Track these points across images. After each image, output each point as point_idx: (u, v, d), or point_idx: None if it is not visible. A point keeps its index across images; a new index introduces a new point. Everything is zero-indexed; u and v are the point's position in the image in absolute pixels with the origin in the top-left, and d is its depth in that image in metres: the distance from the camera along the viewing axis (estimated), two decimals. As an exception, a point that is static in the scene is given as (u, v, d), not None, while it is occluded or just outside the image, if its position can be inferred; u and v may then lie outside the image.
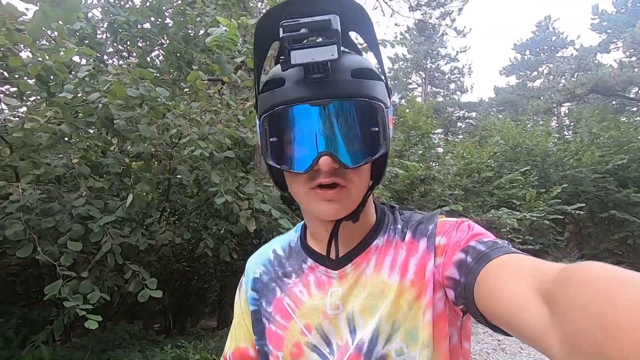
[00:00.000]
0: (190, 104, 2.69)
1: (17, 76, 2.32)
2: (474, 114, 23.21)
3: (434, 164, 10.09)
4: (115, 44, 3.78)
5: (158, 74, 3.60)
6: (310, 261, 0.65)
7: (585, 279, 0.31)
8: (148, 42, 3.53)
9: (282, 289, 0.65)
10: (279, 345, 0.62)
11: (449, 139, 19.92)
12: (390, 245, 0.61)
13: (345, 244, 0.61)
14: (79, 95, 2.13)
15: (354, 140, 0.52)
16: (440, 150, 12.62)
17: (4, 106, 2.09)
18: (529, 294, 0.38)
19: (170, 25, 3.50)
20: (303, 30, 0.46)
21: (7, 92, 2.73)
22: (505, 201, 8.73)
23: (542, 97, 16.29)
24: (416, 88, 23.85)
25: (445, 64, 23.53)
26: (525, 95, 20.60)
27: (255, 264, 0.71)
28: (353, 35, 0.61)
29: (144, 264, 3.48)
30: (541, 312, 0.35)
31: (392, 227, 0.63)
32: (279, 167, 0.54)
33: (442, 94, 24.11)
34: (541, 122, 13.57)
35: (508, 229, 7.03)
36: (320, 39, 0.48)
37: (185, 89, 3.73)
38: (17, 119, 2.08)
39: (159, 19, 3.44)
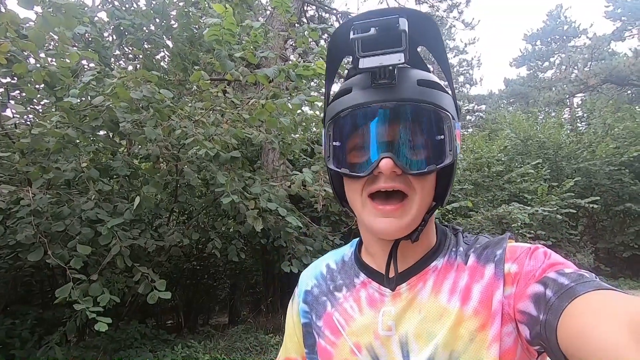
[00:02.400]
0: (195, 104, 2.69)
1: (28, 83, 2.35)
2: (483, 107, 22.87)
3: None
4: (122, 47, 3.81)
5: (165, 76, 3.61)
6: (363, 276, 0.62)
7: None
8: (153, 45, 3.54)
9: (333, 304, 0.63)
10: None
11: (461, 132, 19.73)
12: (451, 268, 0.57)
13: (401, 262, 0.58)
14: (84, 99, 2.14)
15: (417, 147, 0.51)
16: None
17: (9, 113, 2.11)
18: (626, 338, 0.35)
19: (175, 26, 3.51)
20: (372, 30, 0.47)
21: (18, 98, 2.77)
22: (516, 195, 8.59)
23: (553, 88, 15.95)
24: (424, 82, 23.59)
25: (454, 57, 23.19)
26: (537, 87, 20.20)
27: (308, 277, 0.70)
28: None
29: (154, 264, 3.52)
30: None
31: (453, 249, 0.59)
32: (338, 170, 0.53)
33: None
34: (553, 114, 13.31)
35: (519, 223, 6.93)
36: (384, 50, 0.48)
37: (193, 89, 3.74)
38: (25, 124, 2.10)
39: (164, 21, 3.45)
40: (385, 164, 0.48)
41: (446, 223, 0.66)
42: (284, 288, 5.37)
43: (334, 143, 0.54)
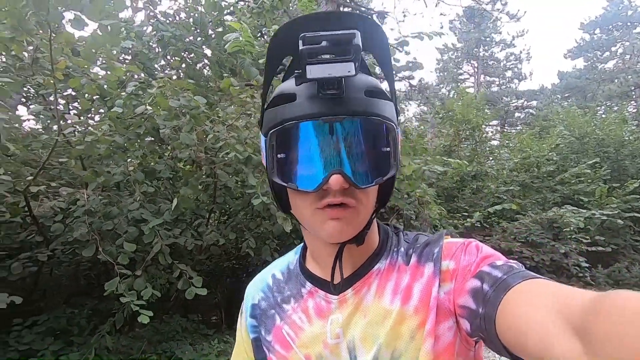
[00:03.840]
0: (226, 109, 2.81)
1: (84, 96, 2.62)
2: (534, 103, 21.41)
3: (488, 159, 9.50)
4: (166, 57, 4.08)
5: (206, 83, 3.81)
6: (309, 285, 0.62)
7: (619, 309, 0.30)
8: (193, 54, 3.76)
9: (282, 317, 0.63)
10: None
11: (506, 130, 18.62)
12: (393, 269, 0.58)
13: (346, 268, 0.59)
14: (129, 108, 2.33)
15: (365, 160, 0.51)
16: (495, 143, 11.84)
17: (67, 122, 2.35)
18: (558, 324, 0.37)
19: (213, 36, 3.69)
20: (324, 43, 0.45)
21: (75, 109, 3.09)
22: (570, 198, 7.95)
23: (616, 80, 14.55)
24: (468, 78, 22.58)
25: (500, 51, 21.98)
26: (596, 79, 18.56)
27: (255, 290, 0.69)
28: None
29: (195, 262, 3.73)
30: (572, 345, 0.34)
31: (395, 249, 0.61)
32: (285, 185, 0.52)
33: (498, 82, 22.56)
34: (615, 108, 12.14)
35: (572, 228, 6.40)
36: (334, 56, 0.47)
37: (231, 96, 3.92)
38: (79, 133, 2.33)
39: (202, 31, 3.65)
40: (336, 180, 0.48)
41: (388, 222, 0.67)
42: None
43: (279, 155, 0.52)
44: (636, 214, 6.98)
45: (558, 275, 6.65)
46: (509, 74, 22.24)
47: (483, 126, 9.80)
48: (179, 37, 3.49)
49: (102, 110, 3.40)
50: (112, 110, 2.22)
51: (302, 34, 0.46)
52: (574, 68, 22.91)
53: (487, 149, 9.61)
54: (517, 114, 21.41)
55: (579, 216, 6.30)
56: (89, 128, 2.25)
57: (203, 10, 3.34)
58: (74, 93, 3.11)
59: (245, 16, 3.22)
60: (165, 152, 3.59)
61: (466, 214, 7.25)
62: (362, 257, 0.60)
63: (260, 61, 2.56)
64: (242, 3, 3.91)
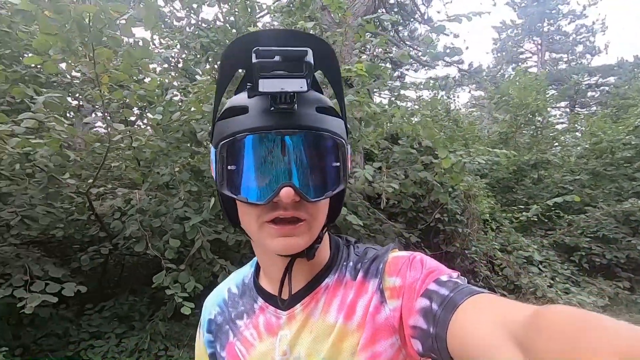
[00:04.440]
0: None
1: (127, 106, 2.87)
2: (611, 79, 18.95)
3: (551, 146, 8.65)
4: (208, 62, 4.30)
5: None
6: (260, 301, 0.62)
7: (554, 324, 0.32)
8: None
9: (235, 333, 0.63)
10: None
11: (578, 111, 16.77)
12: (341, 284, 0.58)
13: (295, 282, 0.59)
14: (168, 114, 2.51)
15: (315, 174, 0.51)
16: (561, 127, 10.73)
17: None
18: (501, 337, 0.38)
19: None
20: (276, 58, 0.46)
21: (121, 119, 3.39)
22: (652, 187, 6.98)
23: None
24: (530, 57, 20.66)
25: (569, 24, 19.72)
26: (691, 47, 15.85)
27: (212, 305, 0.69)
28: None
29: (241, 256, 3.92)
30: (515, 356, 0.35)
31: (344, 264, 0.60)
32: (235, 197, 0.52)
33: (566, 59, 20.33)
34: None
35: (653, 222, 5.62)
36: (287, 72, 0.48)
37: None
38: (127, 139, 2.56)
39: (238, 34, 3.77)
40: (286, 193, 0.48)
41: (340, 234, 0.66)
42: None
43: (229, 167, 0.52)
44: None
45: (637, 275, 5.90)
46: (579, 48, 19.91)
47: (549, 109, 8.93)
48: (218, 42, 3.65)
49: (145, 121, 3.68)
50: (152, 117, 2.40)
51: (256, 48, 0.46)
52: (662, 36, 19.82)
53: (551, 134, 8.73)
54: (590, 93, 19.15)
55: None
56: (135, 135, 2.46)
57: (237, 12, 3.44)
58: (122, 104, 3.43)
59: (277, 15, 3.27)
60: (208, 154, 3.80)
61: (524, 206, 6.68)
62: (311, 271, 0.60)
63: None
64: (276, 3, 3.97)
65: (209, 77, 3.11)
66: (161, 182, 3.19)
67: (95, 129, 4.18)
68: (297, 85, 0.45)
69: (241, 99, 0.52)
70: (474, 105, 14.69)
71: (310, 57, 0.46)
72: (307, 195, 0.50)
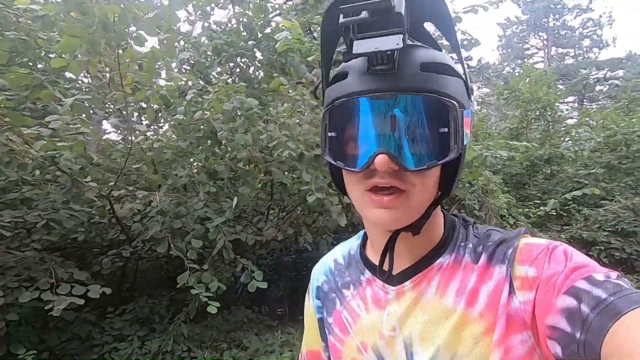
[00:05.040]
0: (277, 108, 2.90)
1: (151, 106, 2.89)
2: (620, 73, 18.73)
3: (564, 140, 8.54)
4: (221, 64, 4.32)
5: (257, 85, 3.97)
6: (368, 273, 0.61)
7: None
8: (246, 59, 3.92)
9: (341, 301, 0.63)
10: (338, 359, 0.62)
11: (587, 106, 16.59)
12: (459, 266, 0.54)
13: (406, 258, 0.56)
14: (189, 114, 2.51)
15: (418, 141, 0.47)
16: (572, 122, 10.60)
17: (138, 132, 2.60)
18: None
19: (261, 39, 3.81)
20: (363, 14, 0.42)
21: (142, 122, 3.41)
22: (670, 179, 6.87)
23: None
24: (535, 53, 20.50)
25: (575, 18, 19.56)
26: (702, 37, 15.63)
27: (319, 273, 0.70)
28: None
29: (256, 257, 3.92)
30: None
31: (462, 244, 0.56)
32: (334, 163, 0.51)
33: (573, 54, 20.15)
34: None
35: (674, 214, 5.52)
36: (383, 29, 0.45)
37: (283, 95, 4.03)
38: (148, 141, 2.57)
39: (252, 35, 3.78)
40: (381, 160, 0.46)
41: (456, 213, 0.60)
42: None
43: (330, 134, 0.51)
44: None
45: (658, 269, 5.79)
46: (586, 42, 19.73)
47: (557, 104, 8.83)
48: (231, 43, 3.66)
49: (166, 120, 3.72)
50: (174, 117, 2.41)
51: (341, 6, 0.44)
52: (671, 27, 19.57)
53: (563, 128, 8.63)
54: (598, 87, 18.92)
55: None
56: (157, 136, 2.46)
57: (251, 13, 3.45)
58: (144, 105, 3.46)
59: (291, 14, 3.27)
60: (225, 154, 3.81)
61: (538, 201, 6.61)
62: (423, 249, 0.56)
63: (310, 59, 2.59)
64: (289, 3, 3.98)
65: (226, 76, 3.11)
66: (180, 183, 3.20)
67: (107, 134, 4.21)
68: (393, 42, 0.42)
69: (344, 64, 0.51)
70: (480, 103, 14.59)
71: (400, 6, 0.41)
72: (405, 164, 0.46)
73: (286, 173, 3.31)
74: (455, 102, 0.46)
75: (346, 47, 0.46)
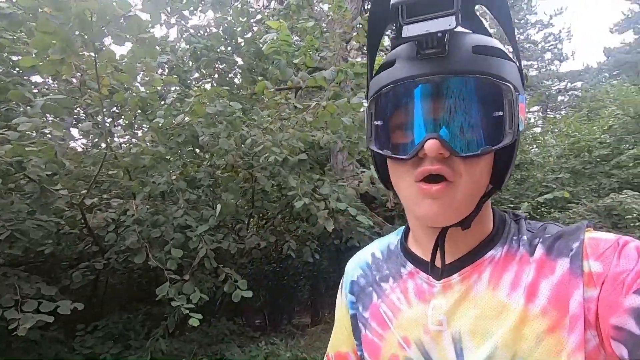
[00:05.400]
0: (260, 113, 2.85)
1: (128, 111, 2.76)
2: (579, 84, 20.00)
3: (531, 147, 8.96)
4: (199, 69, 4.22)
5: (237, 91, 3.90)
6: (410, 266, 0.58)
7: None
8: (225, 64, 3.86)
9: (379, 294, 0.60)
10: (376, 355, 0.58)
11: (549, 115, 17.55)
12: (512, 259, 0.50)
13: (452, 251, 0.53)
14: (169, 118, 2.42)
15: (470, 126, 0.44)
16: (538, 130, 11.16)
17: (116, 137, 2.47)
18: None
19: (242, 44, 3.77)
20: None
21: (122, 125, 3.26)
22: (629, 182, 7.33)
23: (673, 51, 13.22)
24: (503, 65, 21.51)
25: (537, 32, 20.76)
26: (649, 52, 17.01)
27: (354, 267, 0.68)
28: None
29: (237, 266, 3.81)
30: None
31: (515, 237, 0.52)
32: (381, 152, 0.49)
33: (536, 66, 21.33)
34: (675, 82, 11.07)
35: (635, 215, 5.88)
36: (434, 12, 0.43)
37: (264, 100, 3.99)
38: (125, 146, 2.44)
39: (232, 40, 3.73)
40: (431, 145, 0.43)
41: (505, 209, 0.58)
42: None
43: (376, 122, 0.49)
44: None
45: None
46: (548, 55, 20.95)
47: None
48: (211, 48, 3.59)
49: (145, 126, 3.58)
50: (154, 121, 2.31)
51: None
52: (622, 43, 21.16)
53: (530, 136, 9.07)
54: (560, 97, 20.10)
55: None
56: (134, 140, 2.35)
57: (231, 19, 3.41)
58: (117, 111, 3.31)
59: (274, 19, 3.25)
60: (203, 161, 3.71)
61: (512, 205, 6.87)
62: (472, 241, 0.53)
63: (295, 61, 2.57)
64: (271, 7, 3.96)
65: (207, 80, 3.04)
66: (158, 191, 3.06)
67: (76, 141, 3.99)
68: (445, 23, 0.40)
69: (391, 52, 0.49)
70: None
71: None
72: (456, 149, 0.44)
73: (268, 179, 3.26)
74: (510, 85, 0.44)
75: (395, 33, 0.45)
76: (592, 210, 6.54)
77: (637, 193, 6.14)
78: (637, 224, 6.14)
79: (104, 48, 2.05)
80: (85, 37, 1.74)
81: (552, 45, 20.78)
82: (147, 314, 3.82)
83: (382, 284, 0.61)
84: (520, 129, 0.46)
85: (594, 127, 8.09)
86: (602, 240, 0.46)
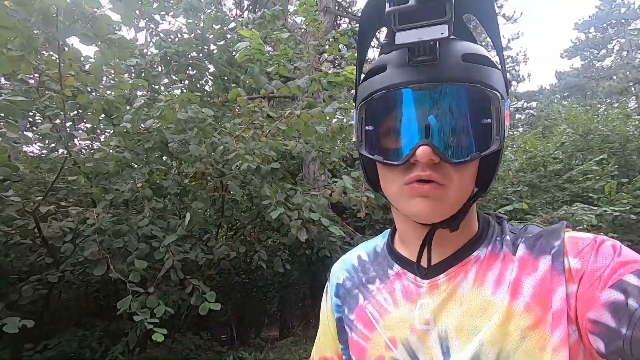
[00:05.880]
0: (234, 120, 2.81)
1: (90, 113, 2.62)
2: (534, 104, 21.46)
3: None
4: (169, 74, 4.11)
5: (208, 98, 3.83)
6: (397, 267, 0.58)
7: None
8: (197, 70, 3.79)
9: (365, 296, 0.60)
10: (362, 357, 0.58)
11: (509, 132, 18.63)
12: (496, 258, 0.52)
13: (438, 252, 0.54)
14: (136, 123, 2.32)
15: (460, 132, 0.46)
16: (498, 145, 11.78)
17: (76, 142, 2.34)
18: None
19: (214, 51, 3.72)
20: (411, 2, 0.41)
21: (83, 129, 3.09)
22: (579, 195, 7.87)
23: (614, 77, 14.58)
24: (465, 83, 22.71)
25: (496, 55, 22.16)
26: (594, 77, 18.62)
27: (339, 270, 0.68)
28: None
29: (205, 278, 3.67)
30: None
31: (498, 238, 0.54)
32: (372, 157, 0.49)
33: (496, 86, 22.68)
34: (616, 105, 12.13)
35: (585, 226, 6.30)
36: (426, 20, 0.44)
37: (235, 108, 3.93)
38: (88, 150, 2.32)
39: (205, 47, 3.67)
40: (423, 151, 0.44)
41: (489, 211, 0.61)
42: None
43: (367, 127, 0.50)
44: (648, 209, 6.87)
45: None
46: (506, 76, 22.37)
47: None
48: (182, 53, 3.52)
49: (108, 130, 3.42)
50: (120, 125, 2.21)
51: None
52: (571, 67, 23.04)
53: (492, 151, 9.55)
54: (517, 116, 21.43)
55: (591, 213, 6.19)
56: (97, 144, 2.23)
57: (204, 25, 3.37)
58: (79, 113, 3.13)
59: (247, 28, 3.25)
60: (171, 169, 3.58)
61: (475, 216, 7.17)
62: (457, 242, 0.54)
63: (269, 70, 2.57)
64: (243, 17, 3.95)
65: (178, 85, 2.97)
66: (121, 199, 2.92)
67: (29, 146, 3.72)
68: (438, 32, 0.41)
69: (381, 57, 0.49)
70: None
71: None
72: (447, 155, 0.45)
73: (240, 188, 3.19)
74: (498, 93, 0.45)
75: (387, 39, 0.46)
76: (548, 221, 6.96)
77: (587, 206, 6.61)
78: (587, 234, 6.59)
79: (66, 48, 1.94)
80: (50, 34, 1.64)
81: (510, 67, 22.21)
82: (104, 330, 3.58)
83: (368, 285, 0.61)
84: (506, 134, 0.47)
85: (549, 144, 8.68)
86: (581, 238, 0.49)
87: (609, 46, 21.20)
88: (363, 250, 0.67)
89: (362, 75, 0.54)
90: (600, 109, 11.67)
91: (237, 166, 2.55)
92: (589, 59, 21.90)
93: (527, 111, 21.34)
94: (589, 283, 0.44)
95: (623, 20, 20.70)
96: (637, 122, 9.84)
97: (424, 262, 0.54)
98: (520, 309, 0.47)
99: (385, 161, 0.49)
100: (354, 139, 0.53)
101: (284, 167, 4.36)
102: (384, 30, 0.52)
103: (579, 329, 0.45)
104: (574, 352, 0.44)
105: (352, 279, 0.64)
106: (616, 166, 7.98)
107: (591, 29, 21.96)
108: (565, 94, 21.14)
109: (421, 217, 0.49)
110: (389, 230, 0.65)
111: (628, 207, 6.84)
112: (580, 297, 0.45)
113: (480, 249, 0.53)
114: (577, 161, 8.65)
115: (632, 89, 15.55)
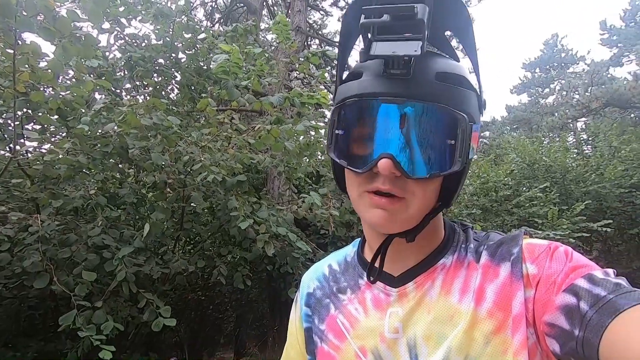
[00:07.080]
0: (201, 130, 2.75)
1: (40, 113, 2.45)
2: (487, 133, 23.02)
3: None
4: (132, 80, 3.96)
5: (173, 107, 3.73)
6: (366, 276, 0.59)
7: None
8: (163, 77, 3.69)
9: (336, 306, 0.60)
10: None
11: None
12: (461, 266, 0.54)
13: (405, 261, 0.55)
14: (95, 126, 2.21)
15: (423, 149, 0.46)
16: (455, 170, 12.42)
17: (25, 142, 2.17)
18: None
19: (183, 60, 3.66)
20: (385, 17, 0.41)
21: (32, 130, 2.87)
22: (526, 220, 8.44)
23: (556, 113, 16.10)
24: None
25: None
26: (539, 112, 20.39)
27: (310, 279, 0.67)
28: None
29: (158, 293, 3.46)
30: None
31: (463, 245, 0.56)
32: (337, 161, 0.50)
33: (453, 115, 24.11)
34: (557, 138, 13.35)
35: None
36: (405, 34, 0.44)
37: (200, 118, 3.85)
38: (37, 151, 2.16)
39: (173, 55, 3.60)
40: (384, 164, 0.45)
41: (455, 219, 0.63)
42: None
43: (337, 131, 0.50)
44: (584, 234, 7.51)
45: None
46: (462, 107, 23.87)
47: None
48: (149, 59, 3.42)
49: (61, 133, 3.20)
50: (78, 127, 2.08)
51: (365, 7, 0.43)
52: (519, 102, 25.12)
53: (449, 175, 10.04)
54: (472, 144, 22.81)
55: (536, 237, 6.65)
56: (49, 146, 2.08)
57: (173, 32, 3.31)
58: (29, 112, 2.91)
59: (219, 40, 3.24)
60: (128, 177, 3.40)
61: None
62: (424, 251, 0.56)
63: (243, 83, 2.57)
64: (214, 29, 3.94)
65: (142, 91, 2.87)
66: (71, 205, 2.71)
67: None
68: (412, 48, 0.41)
69: (362, 63, 0.50)
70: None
71: (422, 14, 0.41)
72: (407, 171, 0.46)
73: (203, 200, 3.09)
74: (465, 116, 0.46)
75: (364, 47, 0.46)
76: (498, 243, 7.39)
77: (532, 230, 7.11)
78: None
79: (20, 42, 1.82)
80: (7, 24, 1.54)
81: (466, 98, 23.79)
82: (39, 351, 3.24)
83: (339, 295, 0.61)
84: (471, 156, 0.49)
85: (500, 171, 9.30)
86: (537, 245, 0.52)
87: (552, 85, 23.49)
88: (334, 259, 0.68)
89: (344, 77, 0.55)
90: (545, 142, 12.78)
91: (202, 177, 2.48)
92: (534, 96, 24.10)
93: (480, 140, 22.81)
94: (545, 287, 0.46)
95: (563, 64, 23.11)
96: (574, 155, 10.89)
97: (394, 271, 0.56)
98: (484, 315, 0.49)
99: (349, 167, 0.50)
100: (320, 157, 0.54)
101: (249, 181, 4.30)
102: None
103: (536, 332, 0.47)
104: (532, 354, 0.46)
105: (323, 289, 0.65)
106: (557, 194, 8.71)
107: (536, 69, 24.27)
108: (515, 126, 22.92)
109: (377, 227, 0.51)
110: (359, 239, 0.66)
111: (567, 232, 7.44)
112: (537, 301, 0.47)
113: (446, 256, 0.55)
114: (524, 188, 9.34)
115: (570, 125, 17.23)
